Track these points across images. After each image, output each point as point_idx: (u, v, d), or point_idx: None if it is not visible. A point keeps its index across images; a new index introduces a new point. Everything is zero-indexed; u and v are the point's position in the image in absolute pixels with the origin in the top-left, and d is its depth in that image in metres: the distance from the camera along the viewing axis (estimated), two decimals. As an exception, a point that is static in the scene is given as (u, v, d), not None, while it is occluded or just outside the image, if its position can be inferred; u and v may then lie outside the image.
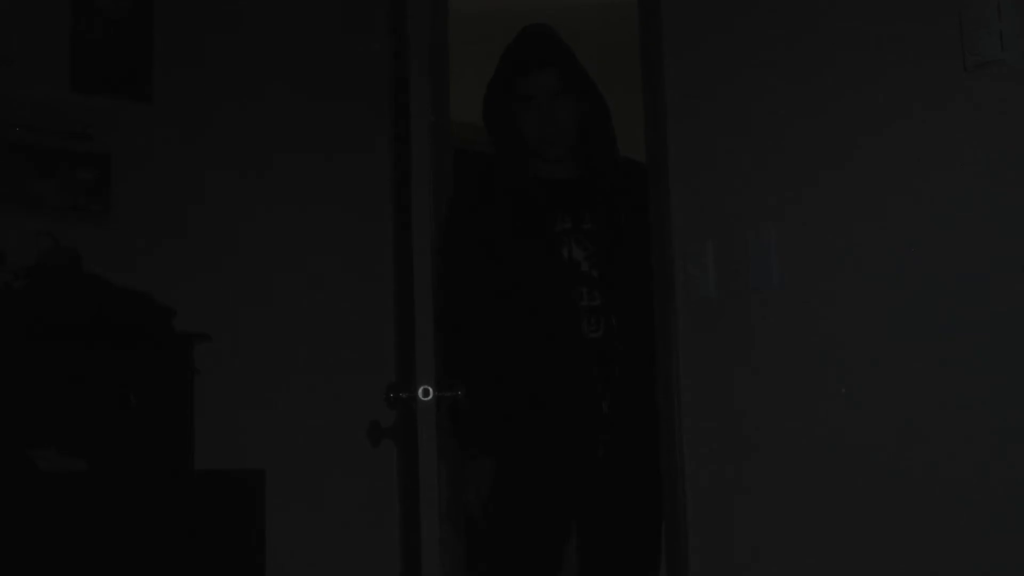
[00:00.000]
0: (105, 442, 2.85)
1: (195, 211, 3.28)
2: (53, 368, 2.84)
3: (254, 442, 3.18)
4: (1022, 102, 2.00)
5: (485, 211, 2.84)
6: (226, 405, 3.15)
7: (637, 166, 2.83)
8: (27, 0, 3.14)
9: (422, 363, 2.42)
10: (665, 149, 2.57)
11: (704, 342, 2.51)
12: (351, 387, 3.33)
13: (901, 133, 2.18)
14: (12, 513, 2.63)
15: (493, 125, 2.91)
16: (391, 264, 3.24)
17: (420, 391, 2.39)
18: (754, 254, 2.41)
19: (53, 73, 3.17)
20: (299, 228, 3.39)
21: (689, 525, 2.49)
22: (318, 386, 3.33)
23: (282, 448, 3.21)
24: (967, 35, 2.04)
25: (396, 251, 2.74)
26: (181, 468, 2.95)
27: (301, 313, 3.35)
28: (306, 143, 3.44)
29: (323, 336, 3.36)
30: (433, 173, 2.59)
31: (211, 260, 3.27)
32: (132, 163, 3.22)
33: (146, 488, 2.82)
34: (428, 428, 2.41)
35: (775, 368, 2.38)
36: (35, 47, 3.15)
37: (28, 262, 2.93)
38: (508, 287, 2.79)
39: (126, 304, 2.96)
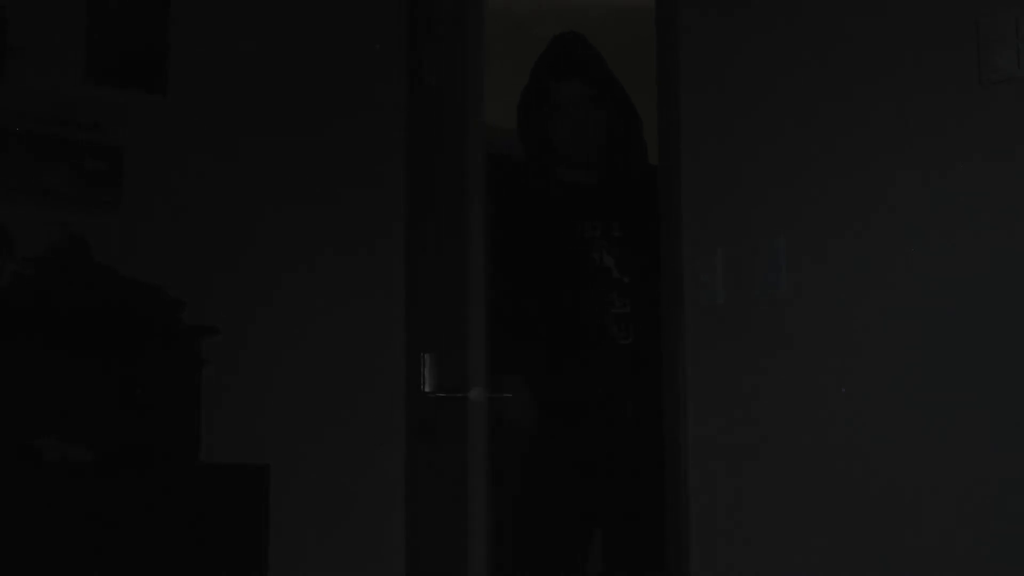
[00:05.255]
0: (111, 433, 2.86)
1: (207, 204, 3.28)
2: (60, 358, 2.85)
3: (259, 436, 3.19)
4: (1039, 119, 2.01)
5: (514, 215, 2.86)
6: (233, 398, 3.15)
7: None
8: (41, -12, 3.14)
9: (474, 364, 2.45)
10: (678, 157, 2.59)
11: (712, 347, 2.52)
12: (357, 384, 3.34)
13: (915, 147, 2.19)
14: (17, 502, 2.64)
15: (524, 131, 2.94)
16: (402, 262, 3.26)
17: (473, 392, 2.42)
18: (763, 261, 2.42)
19: (67, 63, 3.16)
20: (311, 223, 3.39)
21: (692, 528, 2.51)
22: (325, 382, 3.34)
23: (287, 443, 3.21)
24: (984, 52, 2.05)
25: (447, 251, 2.74)
26: (186, 461, 2.96)
27: (310, 309, 3.35)
28: (321, 136, 3.44)
29: (331, 332, 3.37)
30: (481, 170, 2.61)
31: (222, 253, 3.27)
32: (144, 154, 3.22)
33: (151, 480, 2.83)
34: (478, 428, 2.45)
35: (782, 373, 2.39)
36: (49, 36, 3.14)
37: (38, 252, 2.93)
38: (540, 292, 2.81)
39: (135, 295, 2.96)
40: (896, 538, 2.17)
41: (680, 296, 2.56)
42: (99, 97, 3.17)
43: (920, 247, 2.18)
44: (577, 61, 2.94)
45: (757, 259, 2.44)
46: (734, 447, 2.47)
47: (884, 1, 2.25)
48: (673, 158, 2.59)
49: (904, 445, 2.17)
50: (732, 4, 2.54)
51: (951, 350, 2.12)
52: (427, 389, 2.59)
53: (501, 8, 4.21)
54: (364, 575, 3.21)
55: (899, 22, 2.22)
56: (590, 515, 2.87)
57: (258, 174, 3.35)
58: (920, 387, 2.16)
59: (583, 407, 2.82)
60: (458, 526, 2.48)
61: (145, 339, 2.95)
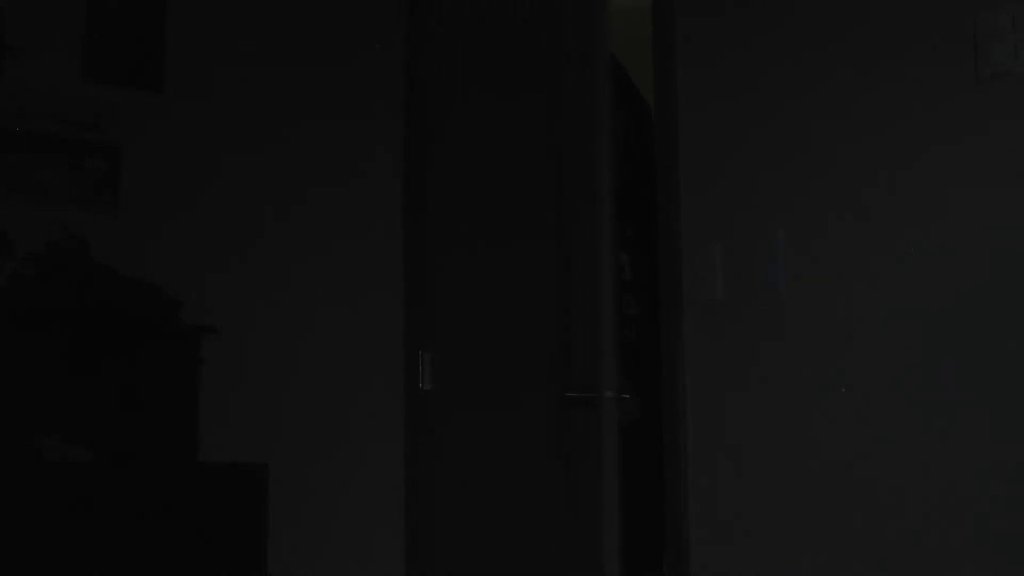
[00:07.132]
0: (110, 432, 2.86)
1: (205, 203, 3.28)
2: (59, 357, 2.84)
3: (258, 435, 3.19)
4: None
5: None
6: (232, 398, 3.15)
7: None
8: (39, -12, 3.14)
9: (607, 368, 2.53)
10: (676, 155, 2.59)
11: (712, 347, 2.52)
12: (356, 382, 3.34)
13: (911, 141, 2.19)
14: (17, 502, 2.64)
15: None
16: (401, 262, 3.26)
17: (607, 393, 2.47)
18: (763, 259, 2.42)
19: (64, 62, 3.16)
20: (310, 222, 3.39)
21: (692, 528, 2.51)
22: (323, 381, 3.34)
23: (286, 442, 3.22)
24: (981, 46, 2.05)
25: (557, 261, 2.80)
26: (186, 461, 2.96)
27: (309, 307, 3.35)
28: (318, 135, 3.44)
29: (330, 331, 3.37)
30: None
31: (220, 252, 3.27)
32: (142, 153, 3.22)
33: (151, 480, 2.83)
34: (611, 427, 2.54)
35: (782, 373, 2.39)
36: (46, 35, 3.14)
37: (37, 251, 2.93)
38: None
39: (134, 295, 2.96)
40: (896, 537, 2.16)
41: (679, 294, 2.56)
42: (98, 96, 3.18)
43: (918, 243, 2.17)
44: None
45: (756, 257, 2.43)
46: (734, 447, 2.47)
47: (882, -1, 2.24)
48: (671, 156, 2.60)
49: (904, 445, 2.17)
50: (729, 2, 2.53)
51: (951, 349, 2.11)
52: (425, 387, 2.60)
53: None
54: (364, 575, 3.21)
55: (896, 19, 2.21)
56: None
57: (255, 172, 3.35)
58: (920, 387, 2.15)
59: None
60: (582, 522, 2.54)
61: (144, 339, 2.95)
